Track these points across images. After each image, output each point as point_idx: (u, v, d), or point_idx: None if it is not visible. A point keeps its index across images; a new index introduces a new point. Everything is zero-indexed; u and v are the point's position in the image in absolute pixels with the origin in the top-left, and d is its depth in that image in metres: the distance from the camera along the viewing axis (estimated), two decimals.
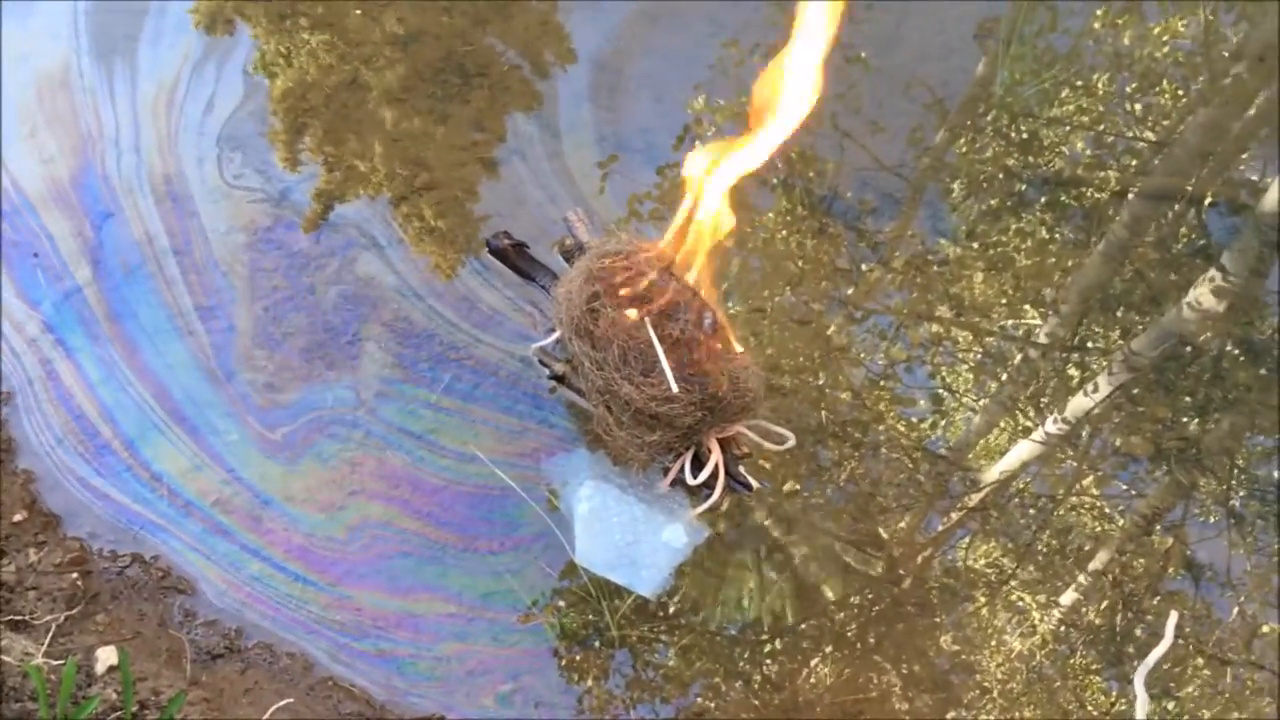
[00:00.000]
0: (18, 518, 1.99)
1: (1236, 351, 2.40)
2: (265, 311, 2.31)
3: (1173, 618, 2.01)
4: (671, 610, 2.01)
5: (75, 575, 1.94)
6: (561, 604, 2.00)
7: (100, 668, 1.81)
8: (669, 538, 2.02)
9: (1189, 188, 2.65)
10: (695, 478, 2.05)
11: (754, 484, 2.11)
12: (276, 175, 2.55)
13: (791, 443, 2.14)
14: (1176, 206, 2.64)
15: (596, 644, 1.97)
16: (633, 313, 2.02)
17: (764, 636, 2.01)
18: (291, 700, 1.83)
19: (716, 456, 2.06)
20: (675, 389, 1.94)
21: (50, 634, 1.84)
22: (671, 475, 2.09)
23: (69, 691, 1.61)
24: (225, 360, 2.25)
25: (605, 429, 2.05)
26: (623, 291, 2.04)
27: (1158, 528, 2.17)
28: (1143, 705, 1.88)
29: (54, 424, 2.15)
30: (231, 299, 2.33)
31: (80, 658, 1.81)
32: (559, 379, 2.19)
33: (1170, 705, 1.96)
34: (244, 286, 2.35)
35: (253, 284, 2.36)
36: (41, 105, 2.65)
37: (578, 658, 1.96)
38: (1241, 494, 2.22)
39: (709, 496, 2.07)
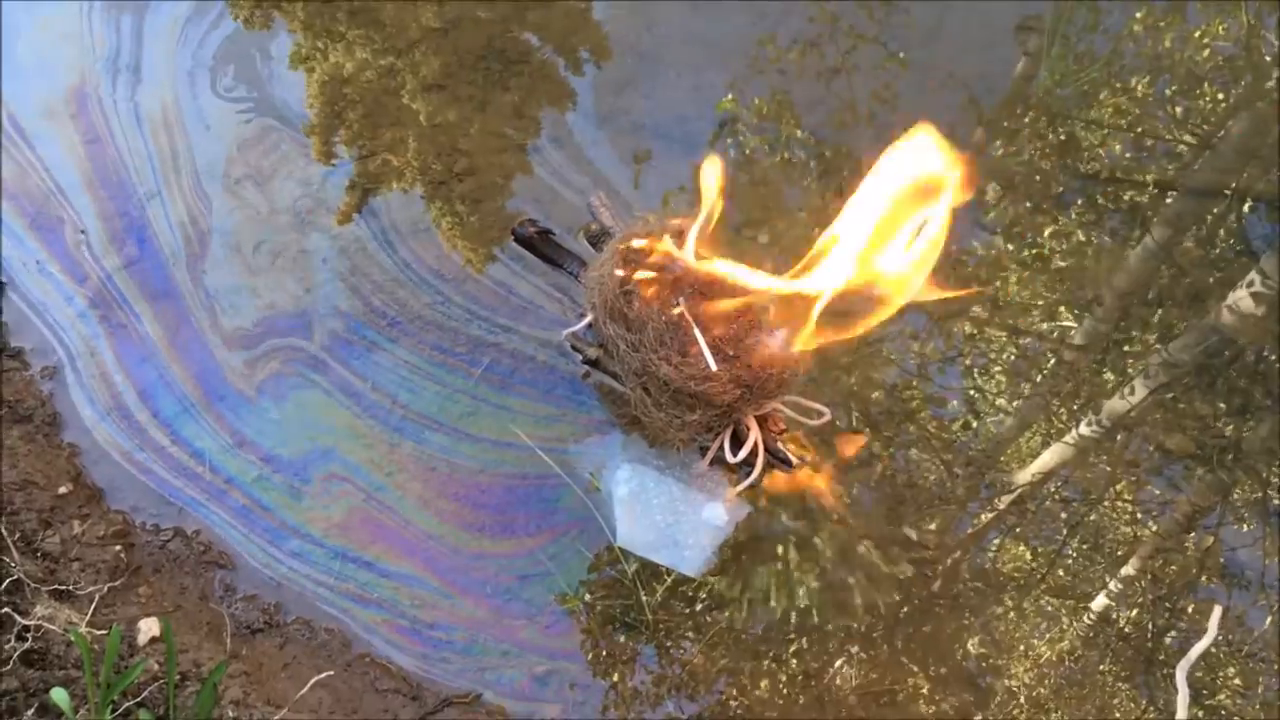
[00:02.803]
0: (63, 490, 2.02)
1: (1275, 358, 2.38)
2: (307, 292, 2.34)
3: (1217, 611, 1.99)
4: (699, 607, 2.02)
5: (118, 548, 1.97)
6: (588, 597, 2.02)
7: (142, 639, 1.84)
8: (710, 516, 2.03)
9: (1228, 191, 2.64)
10: (735, 455, 2.07)
11: (793, 460, 2.12)
12: (265, 88, 2.65)
13: (828, 417, 2.15)
14: (1217, 209, 2.62)
15: (623, 637, 1.98)
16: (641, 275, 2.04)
17: (790, 635, 2.01)
18: (330, 675, 1.85)
19: (755, 433, 2.06)
20: (714, 367, 1.95)
21: (93, 604, 1.87)
22: (711, 453, 2.10)
23: (113, 660, 1.63)
24: (260, 340, 2.28)
25: (643, 411, 2.06)
26: (656, 273, 2.05)
27: (1192, 534, 2.16)
28: (1184, 700, 1.87)
29: (98, 399, 2.18)
30: (273, 283, 2.36)
31: (123, 628, 1.84)
32: (592, 363, 2.20)
33: (1200, 713, 1.95)
34: (285, 271, 2.38)
35: (294, 268, 2.38)
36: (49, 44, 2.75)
37: (605, 652, 1.97)
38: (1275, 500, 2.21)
39: (749, 474, 2.08)
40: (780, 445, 2.11)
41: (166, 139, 2.56)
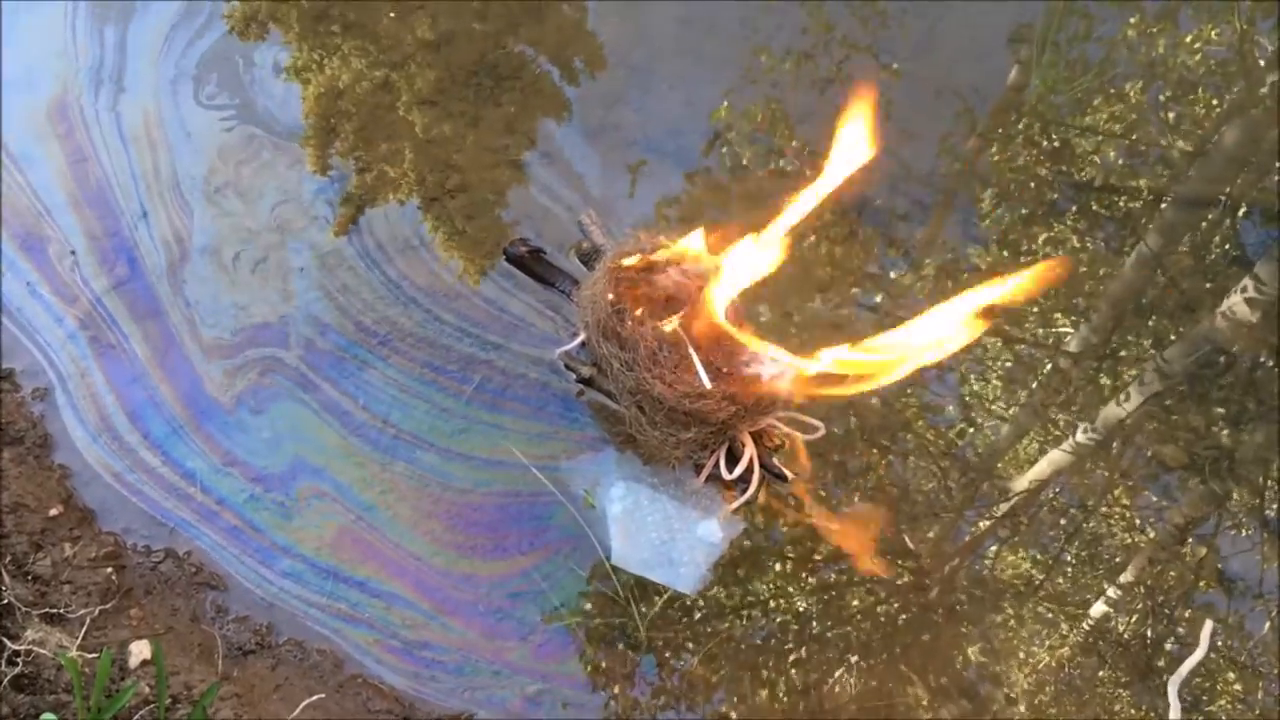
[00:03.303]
0: (53, 512, 2.02)
1: (1270, 363, 2.37)
2: (295, 308, 2.34)
3: (1208, 626, 1.99)
4: (697, 617, 2.01)
5: (109, 570, 1.96)
6: (588, 606, 2.01)
7: (133, 661, 1.83)
8: (705, 533, 2.03)
9: (1222, 197, 2.63)
10: (730, 472, 2.06)
11: (789, 475, 2.11)
12: (248, 94, 2.67)
13: (821, 432, 2.15)
14: (1211, 215, 2.61)
15: (621, 646, 1.98)
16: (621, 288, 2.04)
17: (789, 645, 2.00)
18: (321, 697, 1.84)
19: (751, 450, 2.06)
20: (709, 384, 1.94)
21: (85, 627, 1.86)
22: (707, 470, 2.09)
23: (103, 683, 1.63)
24: (241, 352, 2.28)
25: (638, 429, 2.06)
26: (647, 291, 2.05)
27: (1189, 540, 2.15)
28: (1175, 715, 1.86)
29: (89, 420, 2.17)
30: (264, 298, 2.35)
31: (114, 651, 1.83)
32: (586, 382, 2.19)
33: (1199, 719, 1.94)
34: (276, 287, 2.37)
35: (279, 281, 2.38)
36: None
37: (604, 663, 1.96)
38: (1276, 506, 2.20)
39: (744, 490, 2.08)
40: (775, 461, 2.11)
41: (150, 154, 2.55)
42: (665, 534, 2.02)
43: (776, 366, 2.00)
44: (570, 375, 2.22)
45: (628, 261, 2.08)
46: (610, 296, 2.03)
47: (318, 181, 2.54)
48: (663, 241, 2.10)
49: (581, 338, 2.17)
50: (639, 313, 2.02)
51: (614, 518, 2.04)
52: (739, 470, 2.05)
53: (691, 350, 1.97)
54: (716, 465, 2.08)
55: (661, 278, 2.07)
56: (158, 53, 2.74)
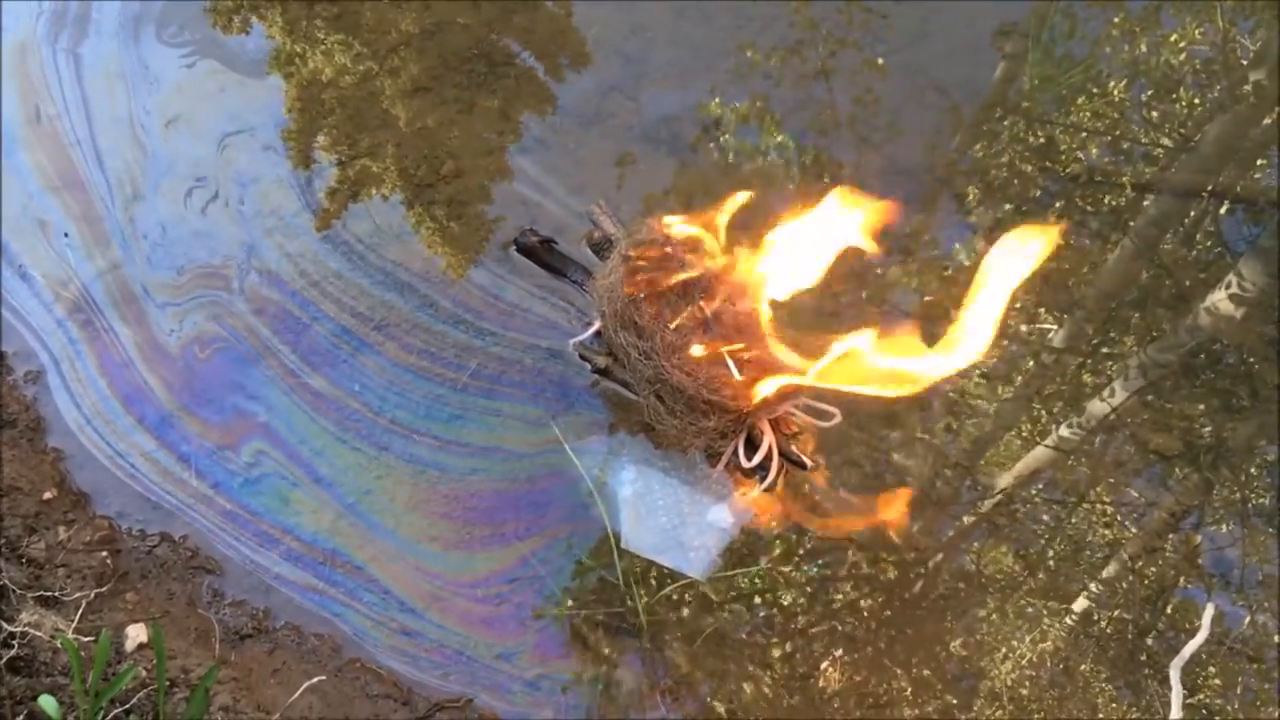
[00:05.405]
0: (47, 496, 2.01)
1: (1252, 360, 2.42)
2: (291, 297, 2.33)
3: (1210, 610, 2.01)
4: (685, 613, 2.03)
5: (104, 553, 1.96)
6: (571, 603, 2.02)
7: (130, 645, 1.83)
8: (715, 519, 2.04)
9: (1205, 194, 2.67)
10: (750, 460, 2.06)
11: (808, 462, 2.11)
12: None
13: (838, 419, 2.16)
14: (1193, 212, 2.65)
15: (614, 639, 1.99)
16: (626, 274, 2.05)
17: (774, 640, 2.03)
18: (322, 679, 1.85)
19: (770, 437, 2.06)
20: (738, 375, 1.95)
21: (80, 611, 1.85)
22: (726, 458, 2.10)
23: (102, 666, 1.62)
24: (250, 343, 2.27)
25: (657, 418, 2.06)
26: (666, 280, 2.06)
27: (1169, 537, 2.19)
28: (1178, 698, 1.89)
29: (83, 403, 2.16)
30: (259, 281, 2.35)
31: (111, 634, 1.82)
32: (602, 372, 2.20)
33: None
34: (270, 273, 2.37)
35: (280, 273, 2.37)
36: None
37: (595, 654, 1.98)
38: (1261, 499, 2.23)
39: (763, 478, 2.08)
40: (793, 448, 2.12)
41: (110, 96, 2.56)
42: (676, 518, 2.03)
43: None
44: (578, 363, 2.22)
45: (645, 250, 2.08)
46: (627, 286, 2.04)
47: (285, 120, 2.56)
48: (678, 222, 2.10)
49: (595, 327, 2.17)
50: (655, 304, 2.02)
51: (625, 501, 2.05)
52: (758, 458, 2.05)
53: (724, 350, 1.99)
54: (735, 453, 2.08)
55: (677, 266, 2.07)
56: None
